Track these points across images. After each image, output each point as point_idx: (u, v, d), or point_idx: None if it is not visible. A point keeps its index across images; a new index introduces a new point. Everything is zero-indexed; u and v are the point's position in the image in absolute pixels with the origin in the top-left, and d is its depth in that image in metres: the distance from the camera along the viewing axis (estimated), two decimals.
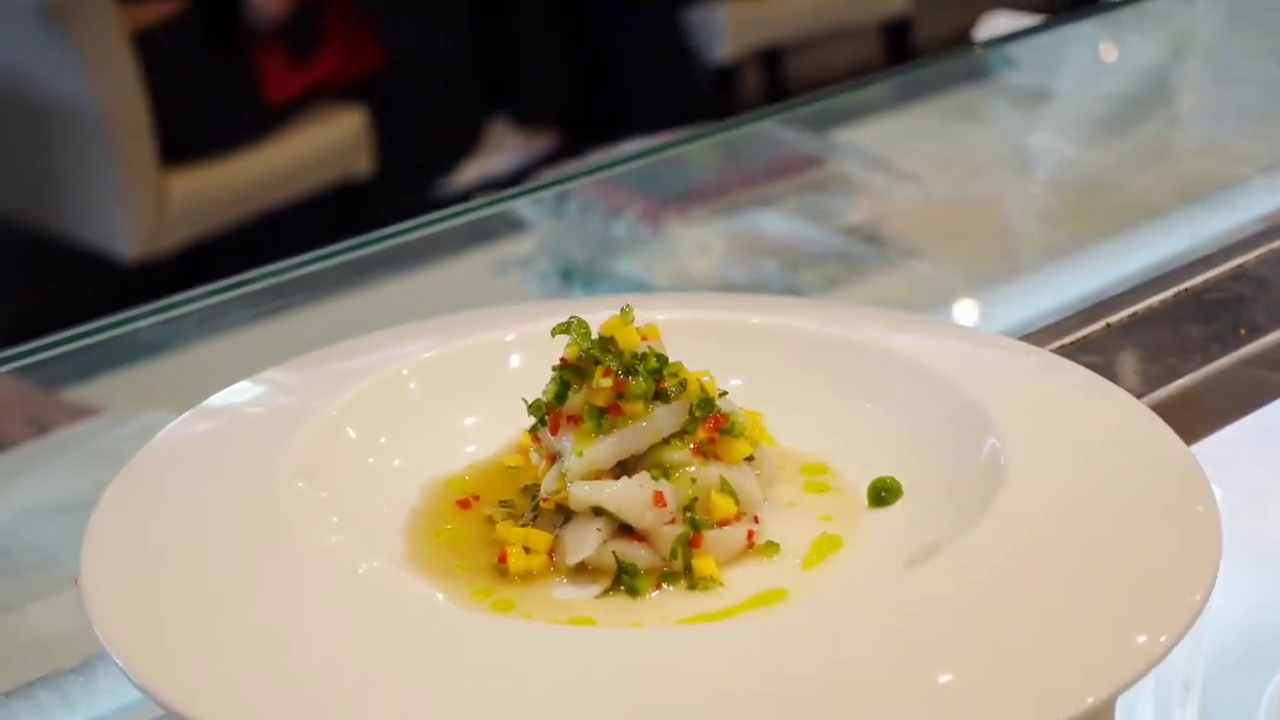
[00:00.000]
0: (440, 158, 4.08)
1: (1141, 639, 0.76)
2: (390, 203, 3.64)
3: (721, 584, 0.87)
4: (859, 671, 0.74)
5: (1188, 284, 1.23)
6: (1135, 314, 1.19)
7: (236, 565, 0.84)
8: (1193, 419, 1.08)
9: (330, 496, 0.91)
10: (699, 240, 1.74)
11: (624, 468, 0.90)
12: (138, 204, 3.33)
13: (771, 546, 0.90)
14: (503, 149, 4.21)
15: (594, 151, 2.70)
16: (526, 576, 0.88)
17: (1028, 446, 0.91)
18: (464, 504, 0.95)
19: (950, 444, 0.94)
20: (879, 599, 0.81)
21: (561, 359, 0.92)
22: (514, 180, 3.72)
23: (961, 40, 2.40)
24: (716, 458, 0.91)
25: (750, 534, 0.90)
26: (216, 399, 1.00)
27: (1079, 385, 1.00)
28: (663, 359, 0.91)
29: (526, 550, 0.88)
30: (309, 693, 0.74)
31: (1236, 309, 1.20)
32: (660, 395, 0.90)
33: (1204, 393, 1.12)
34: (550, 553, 0.89)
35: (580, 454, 0.89)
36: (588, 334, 0.91)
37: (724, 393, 0.93)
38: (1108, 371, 1.01)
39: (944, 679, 0.74)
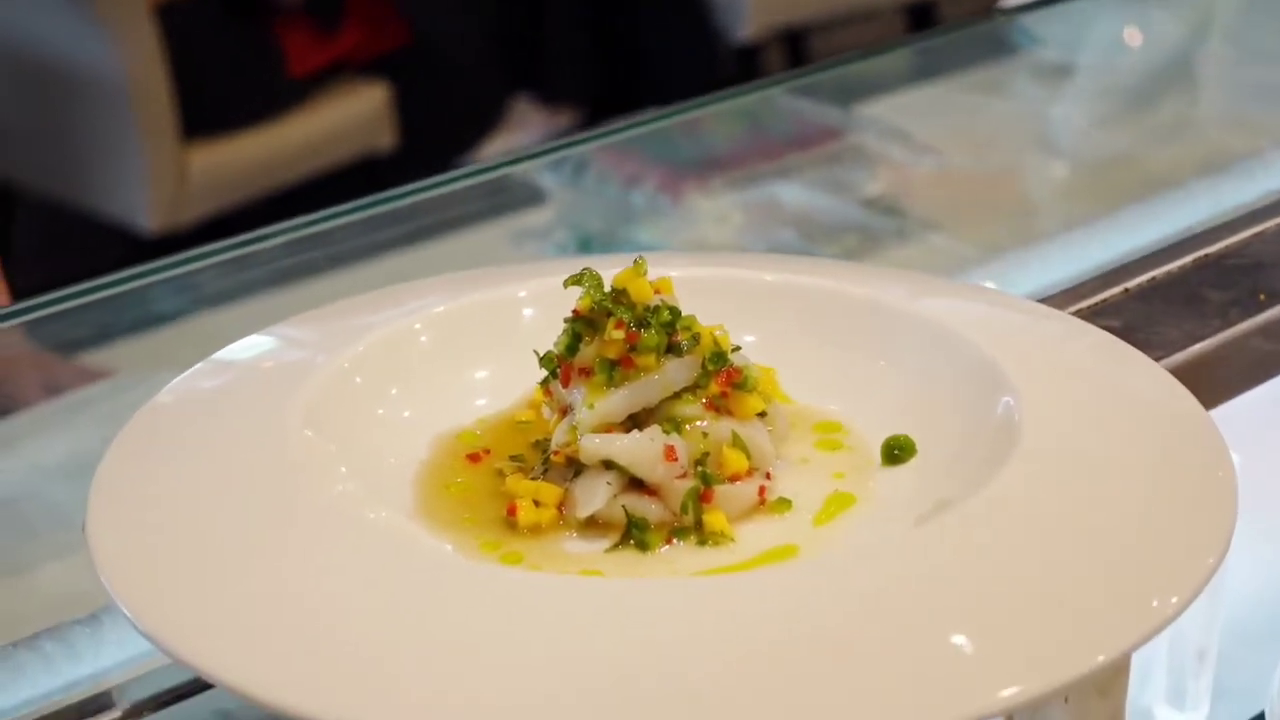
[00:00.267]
0: (462, 135, 4.07)
1: (1153, 600, 0.75)
2: (411, 179, 3.63)
3: (732, 539, 0.87)
4: (868, 625, 0.74)
5: (1207, 250, 1.22)
6: (1154, 279, 1.19)
7: (243, 513, 0.83)
8: (1211, 384, 1.07)
9: (339, 447, 0.90)
10: (718, 211, 1.73)
11: (635, 421, 0.90)
12: (159, 177, 3.32)
13: (783, 503, 0.89)
14: (525, 127, 4.20)
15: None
16: (536, 530, 0.87)
17: (1043, 406, 0.90)
18: (474, 458, 0.94)
19: (965, 403, 0.94)
20: (890, 555, 0.80)
21: (574, 310, 0.91)
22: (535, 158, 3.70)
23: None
24: (729, 413, 0.90)
25: (762, 489, 0.89)
26: (226, 352, 1.00)
27: (1096, 347, 0.99)
28: (675, 312, 0.90)
29: (536, 503, 0.88)
30: (315, 640, 0.74)
31: (1255, 274, 1.19)
32: (673, 348, 0.90)
33: (1222, 358, 1.11)
34: (560, 506, 0.88)
35: (591, 406, 0.88)
36: (600, 285, 0.91)
37: (737, 348, 0.92)
38: (1126, 335, 1.00)
39: (953, 635, 0.73)
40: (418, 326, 1.01)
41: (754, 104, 1.85)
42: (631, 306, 0.90)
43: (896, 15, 4.93)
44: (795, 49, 4.74)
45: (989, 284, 1.29)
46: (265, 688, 0.71)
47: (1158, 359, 1.03)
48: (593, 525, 0.88)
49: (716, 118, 1.82)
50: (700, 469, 0.88)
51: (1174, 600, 0.75)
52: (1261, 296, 1.16)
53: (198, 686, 0.87)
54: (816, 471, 0.92)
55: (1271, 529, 1.22)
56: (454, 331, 1.02)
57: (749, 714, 0.69)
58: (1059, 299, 1.16)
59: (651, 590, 0.79)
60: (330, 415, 0.92)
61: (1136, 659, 0.87)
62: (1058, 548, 0.79)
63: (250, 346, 1.00)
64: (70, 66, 3.30)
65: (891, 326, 1.01)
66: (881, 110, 1.90)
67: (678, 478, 0.87)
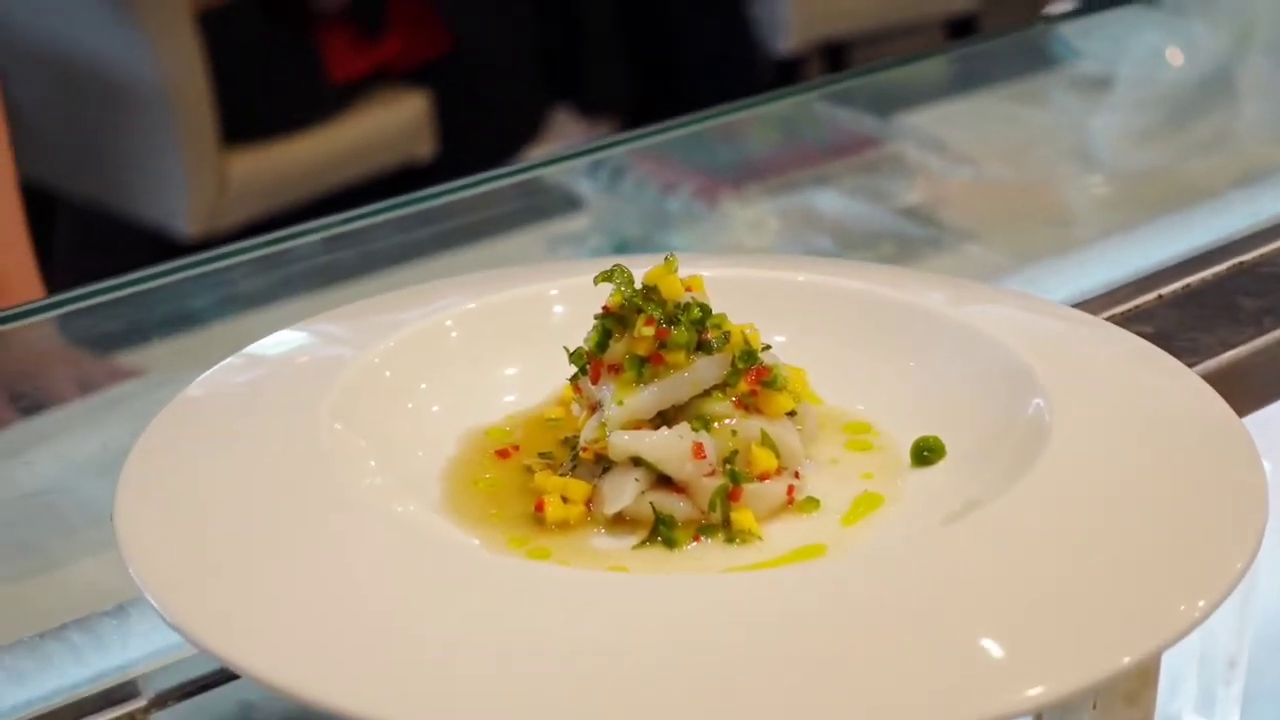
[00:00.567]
0: (502, 144, 4.08)
1: (1181, 603, 0.75)
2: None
3: (760, 538, 0.87)
4: (895, 624, 0.73)
5: (1242, 257, 1.22)
6: (1188, 286, 1.18)
7: (271, 506, 0.83)
8: (1244, 391, 1.06)
9: (368, 441, 0.90)
10: (753, 218, 1.73)
11: (664, 418, 0.89)
12: (198, 183, 3.33)
13: (811, 502, 0.89)
14: (564, 138, 4.21)
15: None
16: (564, 526, 0.87)
17: (1073, 409, 0.89)
18: (503, 454, 0.94)
19: (995, 405, 0.93)
20: (918, 555, 0.80)
21: (604, 307, 0.91)
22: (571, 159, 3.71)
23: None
24: (758, 411, 0.90)
25: (790, 489, 0.89)
26: (256, 346, 1.00)
27: (1128, 351, 0.99)
28: (706, 309, 0.90)
29: (564, 499, 0.88)
30: (341, 633, 0.74)
31: None
32: (703, 346, 0.90)
33: (1255, 365, 1.10)
34: (588, 503, 0.88)
35: (620, 403, 0.88)
36: (631, 282, 0.91)
37: (767, 346, 0.92)
38: (1159, 341, 1.00)
39: (980, 636, 0.73)
40: (448, 323, 1.01)
41: (791, 111, 1.85)
42: (662, 303, 0.90)
43: (938, 29, 4.92)
44: (836, 62, 4.73)
45: (1024, 289, 1.28)
46: (290, 679, 0.71)
47: (1191, 365, 1.02)
48: (620, 522, 0.88)
49: (754, 124, 1.82)
50: (729, 467, 0.88)
51: (1201, 604, 0.75)
52: None
53: (222, 677, 0.87)
54: (845, 472, 0.92)
55: None
56: (484, 328, 1.02)
57: (774, 712, 0.68)
58: (1092, 304, 1.16)
59: (678, 587, 0.79)
60: (360, 409, 0.92)
61: (1166, 666, 0.86)
62: (1086, 549, 0.79)
63: (281, 341, 1.01)
64: (112, 72, 3.31)
65: (921, 328, 1.01)
66: (919, 119, 1.90)
67: (706, 475, 0.87)
